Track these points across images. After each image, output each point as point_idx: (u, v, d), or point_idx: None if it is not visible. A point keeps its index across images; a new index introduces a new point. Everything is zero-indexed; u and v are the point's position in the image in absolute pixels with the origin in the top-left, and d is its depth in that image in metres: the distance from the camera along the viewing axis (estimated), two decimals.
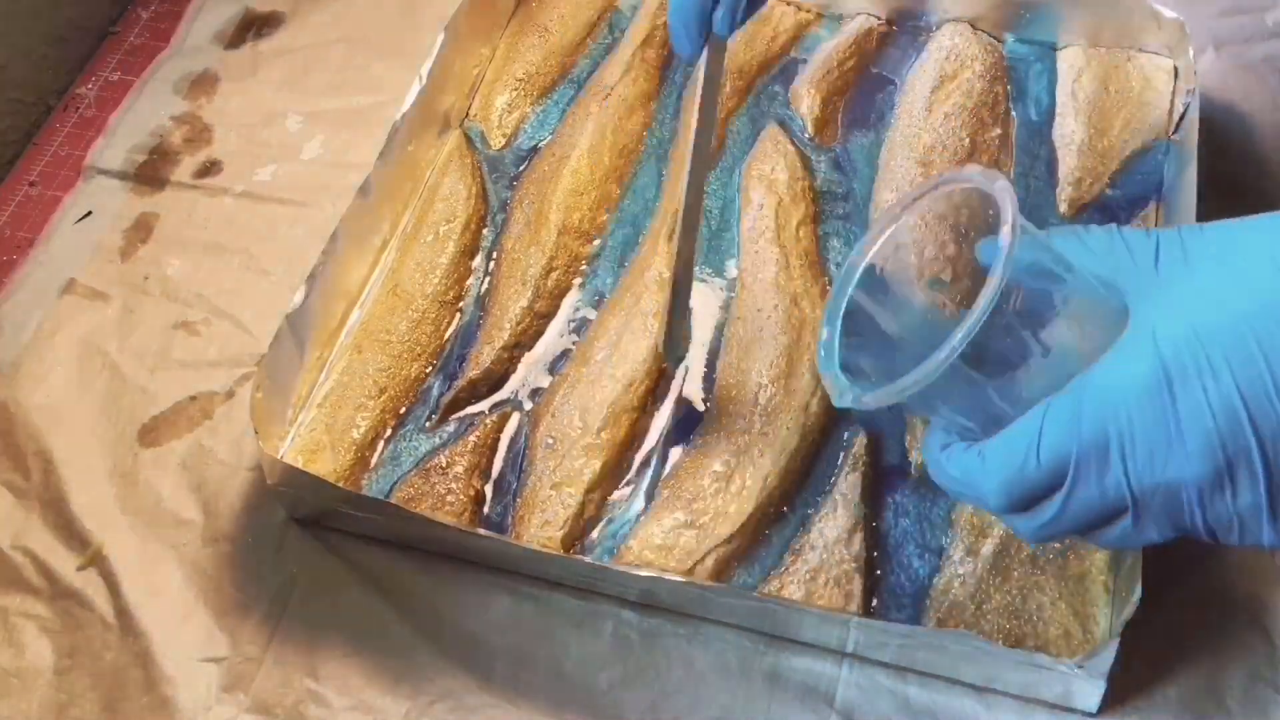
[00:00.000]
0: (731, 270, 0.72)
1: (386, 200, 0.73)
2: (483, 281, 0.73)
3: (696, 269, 0.72)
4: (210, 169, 0.80)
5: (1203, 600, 0.59)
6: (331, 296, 0.69)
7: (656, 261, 0.71)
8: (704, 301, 0.71)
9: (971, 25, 0.80)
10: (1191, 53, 0.74)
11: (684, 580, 0.58)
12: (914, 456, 0.64)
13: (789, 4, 0.83)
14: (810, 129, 0.77)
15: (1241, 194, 0.73)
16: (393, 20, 0.87)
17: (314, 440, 0.66)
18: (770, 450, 0.63)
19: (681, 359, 0.67)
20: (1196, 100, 0.71)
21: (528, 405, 0.68)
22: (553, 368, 0.69)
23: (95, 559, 0.64)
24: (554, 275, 0.72)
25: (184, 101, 0.83)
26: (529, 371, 0.69)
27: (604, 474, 0.64)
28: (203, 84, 0.84)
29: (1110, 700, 0.56)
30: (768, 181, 0.74)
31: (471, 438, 0.66)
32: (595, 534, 0.63)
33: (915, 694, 0.58)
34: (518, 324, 0.70)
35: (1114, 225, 0.47)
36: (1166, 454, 0.40)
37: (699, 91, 0.63)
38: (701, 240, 0.73)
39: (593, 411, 0.65)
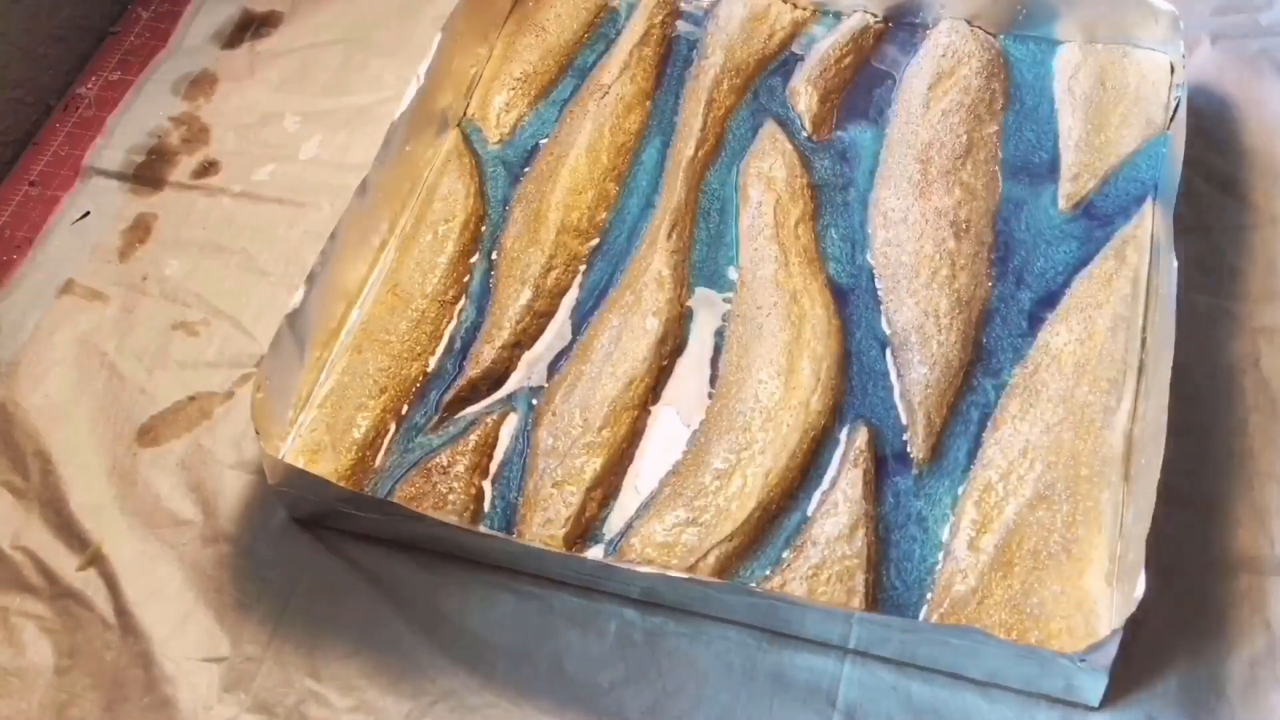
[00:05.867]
0: (730, 268, 0.72)
1: (385, 200, 0.73)
2: (483, 280, 0.73)
3: (694, 269, 0.72)
4: (208, 169, 0.80)
5: (1203, 591, 0.60)
6: (331, 297, 0.69)
7: (655, 259, 0.71)
8: (703, 299, 0.71)
9: (968, 22, 0.80)
10: (1183, 46, 0.74)
11: (686, 577, 0.58)
12: (915, 451, 0.64)
13: (786, 1, 0.83)
14: (808, 126, 0.77)
15: (1232, 187, 0.74)
16: (390, 20, 0.87)
17: (315, 440, 0.66)
18: (771, 447, 0.63)
19: None
20: (1185, 93, 0.71)
21: (528, 404, 0.68)
22: (553, 366, 0.69)
23: (95, 559, 0.64)
24: (553, 274, 0.72)
25: (182, 102, 0.83)
26: (529, 370, 0.69)
27: (605, 472, 0.64)
28: (200, 84, 0.84)
29: (1112, 693, 0.56)
30: (766, 179, 0.74)
31: (472, 437, 0.66)
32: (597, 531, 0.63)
33: (918, 690, 0.58)
34: (518, 322, 0.70)
35: None
36: None
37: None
38: (700, 238, 0.73)
39: (593, 409, 0.65)
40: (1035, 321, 0.68)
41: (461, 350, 0.70)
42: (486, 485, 0.65)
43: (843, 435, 0.65)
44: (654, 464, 0.65)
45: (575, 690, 0.59)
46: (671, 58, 0.82)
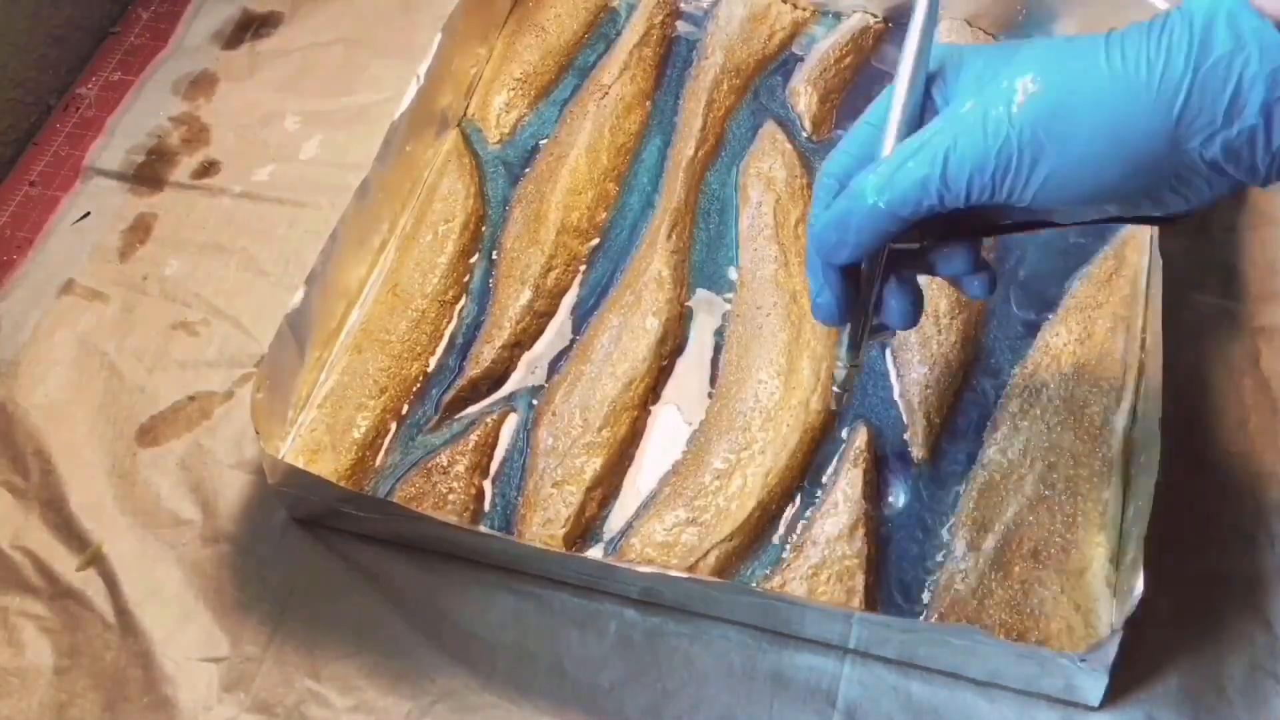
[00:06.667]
0: (731, 268, 0.72)
1: (385, 200, 0.73)
2: (483, 280, 0.73)
3: (694, 270, 0.72)
4: (208, 169, 0.80)
5: (1203, 591, 0.60)
6: (331, 297, 0.69)
7: (655, 259, 0.71)
8: (703, 300, 0.71)
9: (968, 22, 0.80)
10: None
11: (686, 577, 0.58)
12: (915, 451, 0.64)
13: (786, 1, 0.83)
14: (808, 126, 0.77)
15: None
16: (390, 20, 0.87)
17: (315, 440, 0.66)
18: (771, 447, 0.63)
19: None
20: None
21: (528, 403, 0.68)
22: (553, 366, 0.69)
23: (95, 559, 0.64)
24: (553, 274, 0.72)
25: (182, 102, 0.83)
26: (529, 370, 0.69)
27: (605, 472, 0.64)
28: (201, 84, 0.84)
29: (1112, 693, 0.56)
30: (766, 179, 0.74)
31: (472, 437, 0.66)
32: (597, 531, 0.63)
33: (918, 690, 0.58)
34: (518, 323, 0.70)
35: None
36: None
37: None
38: (700, 239, 0.73)
39: (593, 409, 0.65)
40: (1034, 322, 0.68)
41: (461, 350, 0.70)
42: (486, 485, 0.65)
43: (842, 435, 0.65)
44: (654, 464, 0.65)
45: (575, 690, 0.59)
46: (671, 58, 0.82)
